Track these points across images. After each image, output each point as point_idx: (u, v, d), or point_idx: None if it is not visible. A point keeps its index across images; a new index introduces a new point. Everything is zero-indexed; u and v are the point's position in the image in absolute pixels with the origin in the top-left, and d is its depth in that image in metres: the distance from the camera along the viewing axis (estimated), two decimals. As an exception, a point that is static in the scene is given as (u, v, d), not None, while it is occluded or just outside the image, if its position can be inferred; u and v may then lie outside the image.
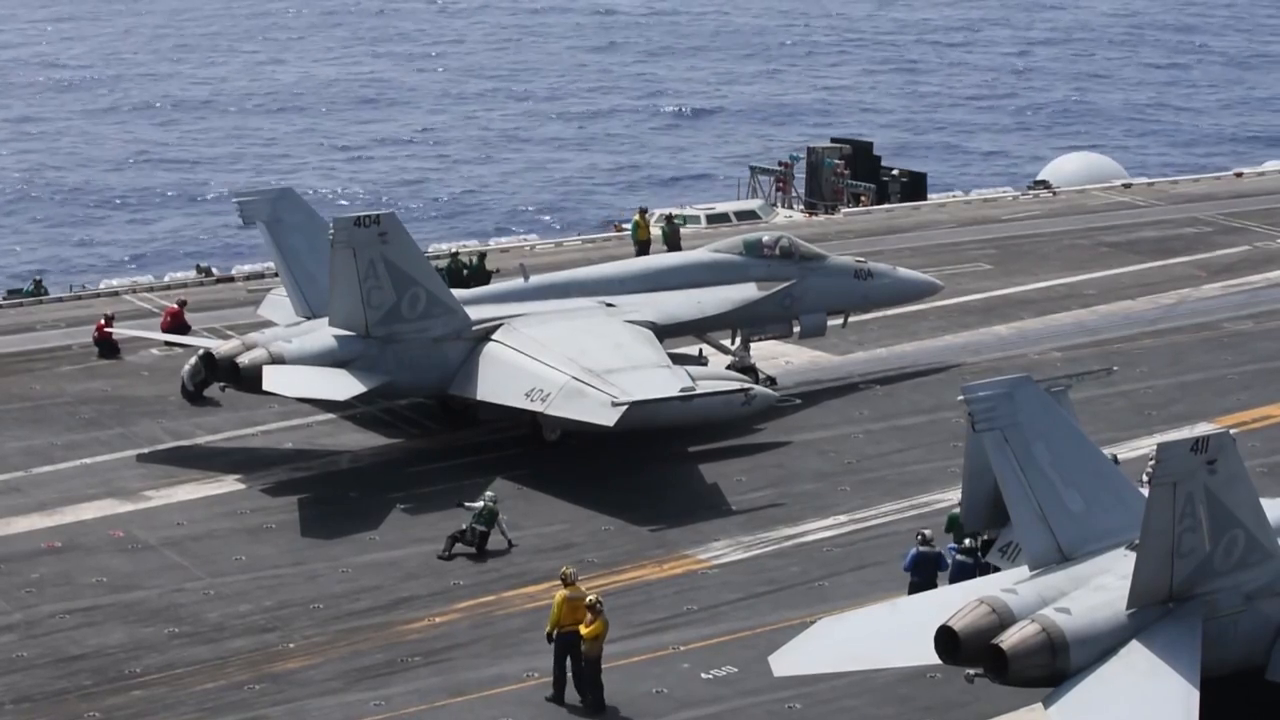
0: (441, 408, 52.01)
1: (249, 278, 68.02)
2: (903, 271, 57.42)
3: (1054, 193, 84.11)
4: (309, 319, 51.18)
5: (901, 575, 38.23)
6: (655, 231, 70.05)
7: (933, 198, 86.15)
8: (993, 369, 53.45)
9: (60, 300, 66.65)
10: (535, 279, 53.48)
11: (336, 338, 49.06)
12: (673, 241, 68.04)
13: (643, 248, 67.88)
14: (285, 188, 55.24)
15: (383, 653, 38.14)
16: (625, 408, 46.26)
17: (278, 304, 54.94)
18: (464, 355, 49.88)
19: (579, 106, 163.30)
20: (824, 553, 43.10)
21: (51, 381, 56.04)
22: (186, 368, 52.30)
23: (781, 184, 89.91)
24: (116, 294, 66.30)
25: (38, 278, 70.66)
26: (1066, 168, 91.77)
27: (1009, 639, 30.44)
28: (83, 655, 38.14)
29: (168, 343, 57.07)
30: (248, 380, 48.50)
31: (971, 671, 31.24)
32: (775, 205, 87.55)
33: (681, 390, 47.29)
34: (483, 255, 65.52)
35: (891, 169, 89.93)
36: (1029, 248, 72.07)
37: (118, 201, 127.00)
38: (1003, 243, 73.14)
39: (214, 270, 70.82)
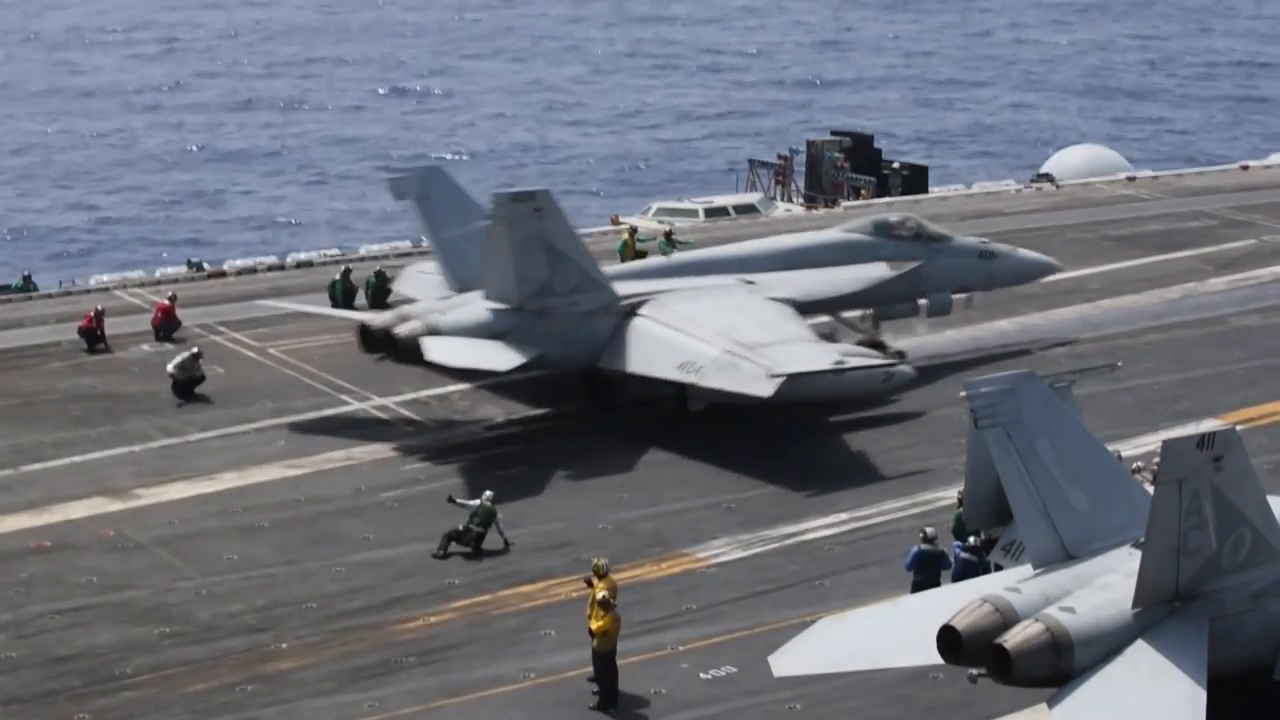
0: (585, 380, 52.75)
1: (240, 273, 67.89)
2: (1023, 252, 59.08)
3: (1057, 186, 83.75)
4: (458, 293, 52.35)
5: (903, 574, 37.92)
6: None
7: (934, 191, 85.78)
8: (996, 365, 53.00)
9: (49, 296, 66.36)
10: (676, 256, 55.32)
11: (491, 310, 50.49)
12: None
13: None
14: (434, 165, 57.14)
15: (377, 653, 37.80)
16: (783, 379, 47.53)
17: (415, 279, 57.02)
18: (612, 329, 51.35)
19: (575, 95, 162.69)
20: (825, 551, 42.79)
21: (41, 378, 55.73)
22: (174, 362, 52.32)
23: (781, 177, 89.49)
24: (106, 290, 65.97)
25: (26, 273, 70.19)
26: (1070, 160, 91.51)
27: (1012, 638, 30.04)
28: (72, 656, 37.77)
29: (309, 313, 57.99)
30: (405, 351, 49.99)
31: (975, 672, 30.87)
32: (774, 199, 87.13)
33: (834, 364, 48.65)
34: None
35: (892, 162, 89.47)
36: (1032, 242, 71.52)
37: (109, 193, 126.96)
38: (1005, 236, 72.56)
39: (205, 265, 70.52)
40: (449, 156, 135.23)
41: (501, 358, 49.82)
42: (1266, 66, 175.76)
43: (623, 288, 52.21)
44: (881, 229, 56.37)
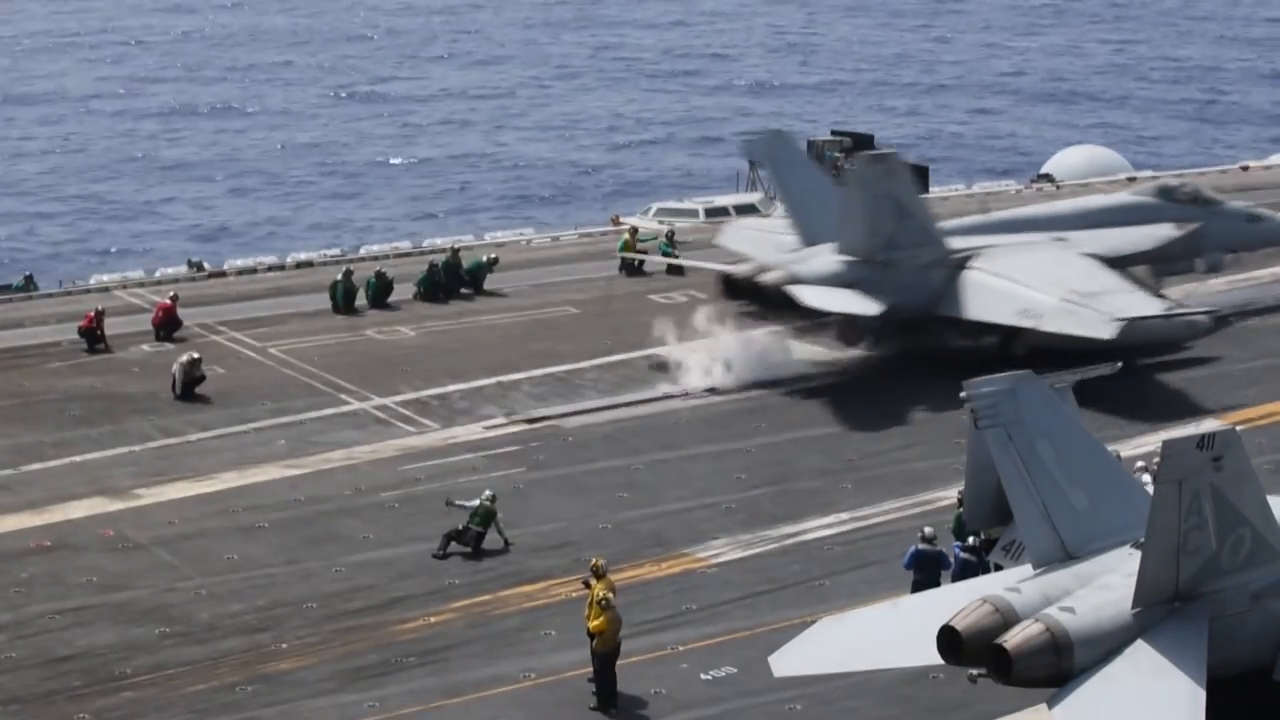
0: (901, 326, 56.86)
1: (240, 273, 67.99)
2: None
3: (1057, 186, 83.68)
4: (806, 246, 57.45)
5: (903, 574, 37.87)
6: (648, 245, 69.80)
7: (935, 190, 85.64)
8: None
9: (50, 296, 66.30)
10: (994, 215, 61.26)
11: (843, 262, 55.46)
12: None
13: (631, 267, 67.95)
14: (779, 129, 63.49)
15: (377, 653, 37.76)
16: (1124, 323, 52.46)
17: (740, 234, 63.57)
18: (945, 280, 56.15)
19: (573, 95, 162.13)
20: (825, 551, 42.75)
21: (41, 378, 55.72)
22: (177, 364, 52.49)
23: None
24: (107, 289, 65.95)
25: (28, 273, 70.20)
26: (1070, 161, 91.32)
27: (1012, 639, 29.99)
28: (72, 656, 37.74)
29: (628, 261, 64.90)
30: (769, 298, 55.42)
31: (974, 672, 30.82)
32: (775, 199, 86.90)
33: (1165, 310, 54.71)
34: (494, 261, 66.53)
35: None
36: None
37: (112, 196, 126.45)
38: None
39: (205, 265, 70.52)
40: (397, 161, 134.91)
41: (864, 305, 54.77)
42: (1235, 71, 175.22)
43: (952, 243, 57.02)
44: (1165, 193, 61.55)
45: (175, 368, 53.45)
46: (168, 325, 59.17)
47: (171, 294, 61.01)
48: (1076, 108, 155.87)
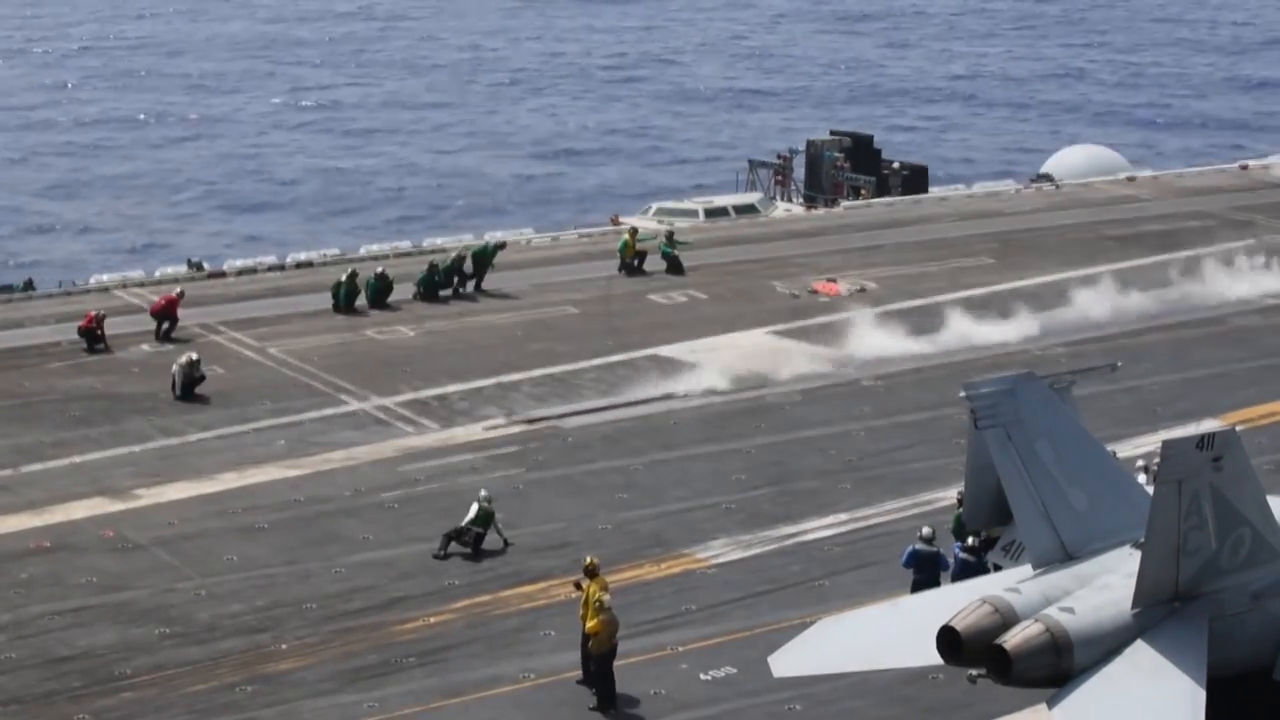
0: None
1: (240, 273, 68.00)
2: None
3: (1057, 186, 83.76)
4: None
5: (902, 574, 37.90)
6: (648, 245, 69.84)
7: (934, 191, 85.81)
8: (995, 365, 52.97)
9: (50, 296, 66.21)
10: None
11: None
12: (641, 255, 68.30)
13: (631, 267, 67.99)
14: None
15: (377, 654, 37.74)
16: None
17: None
18: None
19: (573, 95, 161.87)
20: (824, 552, 42.75)
21: (41, 378, 55.68)
22: (177, 365, 52.40)
23: (780, 177, 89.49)
24: (106, 289, 65.88)
25: (29, 278, 70.12)
26: (1069, 160, 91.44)
27: (1012, 639, 29.93)
28: (72, 656, 37.70)
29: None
30: None
31: (974, 672, 30.77)
32: (774, 199, 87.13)
33: None
34: (501, 245, 67.45)
35: (892, 162, 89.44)
36: (1032, 241, 71.74)
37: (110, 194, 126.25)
38: (1005, 236, 72.87)
39: (205, 265, 70.48)
40: (344, 166, 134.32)
41: None
42: (1195, 77, 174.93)
43: None
44: None
45: (175, 368, 53.51)
46: (167, 317, 59.09)
47: (179, 290, 60.99)
48: (1032, 111, 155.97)
